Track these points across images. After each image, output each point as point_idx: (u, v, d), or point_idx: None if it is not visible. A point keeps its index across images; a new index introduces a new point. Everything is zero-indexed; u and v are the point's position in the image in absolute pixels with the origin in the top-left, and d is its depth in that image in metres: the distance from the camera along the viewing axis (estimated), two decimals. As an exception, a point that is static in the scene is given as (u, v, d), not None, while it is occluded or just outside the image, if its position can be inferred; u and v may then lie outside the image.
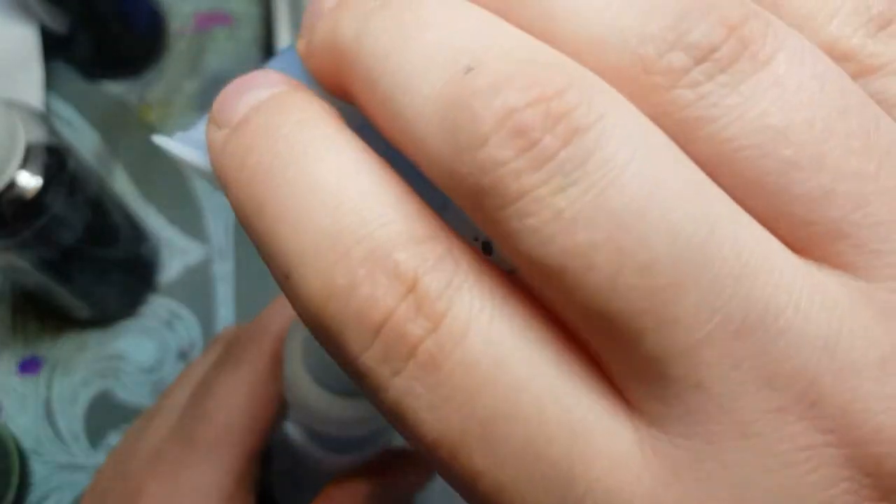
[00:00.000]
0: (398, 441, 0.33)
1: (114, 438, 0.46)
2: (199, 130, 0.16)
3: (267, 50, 0.54)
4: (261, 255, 0.13)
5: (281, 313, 0.32)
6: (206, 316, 0.49)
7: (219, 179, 0.14)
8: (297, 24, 0.52)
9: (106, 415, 0.47)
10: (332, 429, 0.28)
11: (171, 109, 0.53)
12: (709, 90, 0.11)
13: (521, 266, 0.12)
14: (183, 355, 0.48)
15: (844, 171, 0.11)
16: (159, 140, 0.17)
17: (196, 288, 0.49)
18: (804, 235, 0.11)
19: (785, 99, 0.11)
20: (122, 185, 0.51)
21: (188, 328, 0.48)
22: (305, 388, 0.27)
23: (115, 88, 0.54)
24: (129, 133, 0.53)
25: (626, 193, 0.11)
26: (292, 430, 0.31)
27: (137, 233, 0.48)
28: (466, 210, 0.12)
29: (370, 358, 0.12)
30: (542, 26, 0.12)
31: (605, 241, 0.11)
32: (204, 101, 0.54)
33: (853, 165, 0.11)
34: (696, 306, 0.11)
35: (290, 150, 0.13)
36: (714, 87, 0.11)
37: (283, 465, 0.34)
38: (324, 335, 0.12)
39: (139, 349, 0.48)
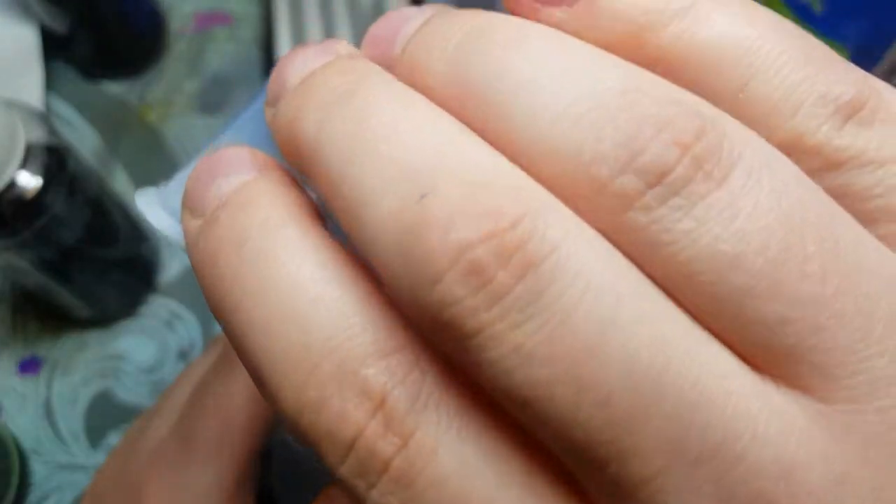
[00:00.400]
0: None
1: (114, 438, 0.46)
2: (177, 195, 0.16)
3: (267, 50, 0.54)
4: (235, 352, 0.13)
5: None
6: (206, 316, 0.49)
7: (194, 272, 0.14)
8: (297, 24, 0.52)
9: (106, 415, 0.47)
10: None
11: (171, 109, 0.53)
12: (662, 214, 0.11)
13: (488, 391, 0.12)
14: (183, 355, 0.48)
15: (800, 297, 0.11)
16: (140, 201, 0.17)
17: (196, 288, 0.49)
18: (761, 356, 0.11)
19: (739, 223, 0.11)
20: (122, 185, 0.51)
21: (188, 328, 0.48)
22: None
23: (115, 88, 0.54)
24: (129, 133, 0.53)
25: (581, 330, 0.11)
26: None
27: (137, 233, 0.48)
28: (427, 335, 0.12)
29: (346, 471, 0.12)
30: (497, 129, 0.12)
31: (563, 376, 0.11)
32: (204, 101, 0.54)
33: (809, 291, 0.11)
34: (654, 437, 0.11)
35: (255, 258, 0.13)
36: (667, 212, 0.11)
37: (283, 465, 0.34)
38: (303, 442, 0.13)
39: (139, 349, 0.48)
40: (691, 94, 0.12)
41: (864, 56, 0.42)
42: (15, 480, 0.43)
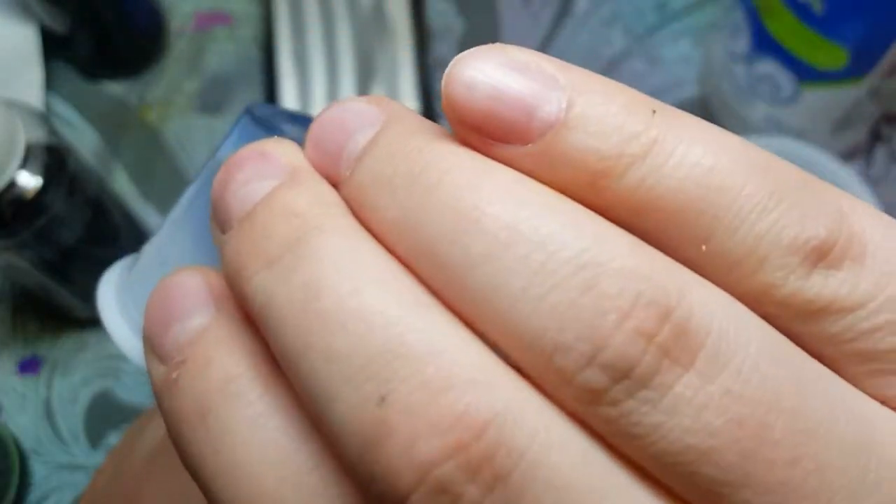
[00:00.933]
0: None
1: (114, 438, 0.46)
2: (141, 287, 0.15)
3: (267, 50, 0.54)
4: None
5: None
6: (206, 316, 0.49)
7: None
8: (297, 24, 0.52)
9: (106, 415, 0.47)
10: None
11: (171, 109, 0.53)
12: (630, 408, 0.11)
13: None
14: (183, 355, 0.48)
15: (770, 484, 0.11)
16: (103, 305, 0.17)
17: (196, 288, 0.49)
18: None
19: (708, 416, 0.11)
20: (122, 185, 0.51)
21: (188, 328, 0.48)
22: None
23: (115, 88, 0.54)
24: (129, 133, 0.53)
25: None
26: None
27: (137, 233, 0.48)
28: None
29: None
30: (454, 299, 0.12)
31: None
32: (204, 101, 0.54)
33: (779, 477, 0.11)
34: None
35: (219, 434, 0.12)
36: (636, 405, 0.11)
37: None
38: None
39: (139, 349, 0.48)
40: (652, 259, 0.11)
41: (864, 56, 0.42)
42: (15, 480, 0.43)
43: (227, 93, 0.54)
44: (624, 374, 0.11)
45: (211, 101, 0.54)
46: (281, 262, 0.12)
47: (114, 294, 0.17)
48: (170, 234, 0.19)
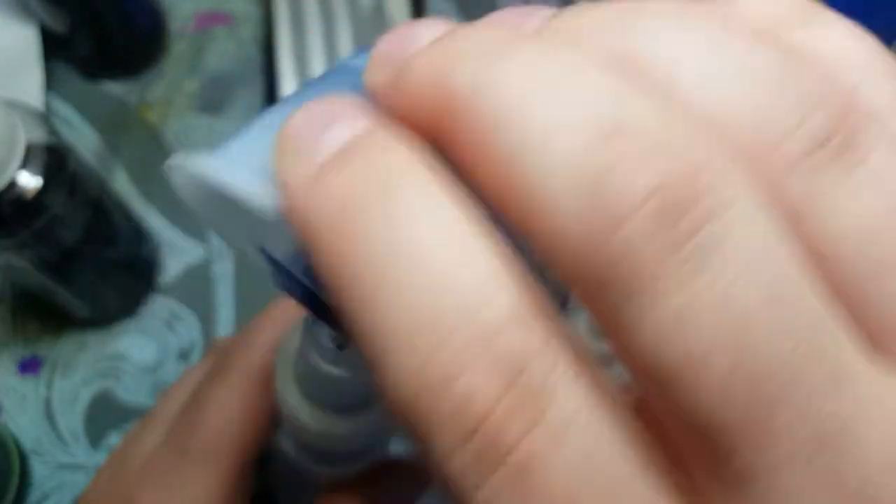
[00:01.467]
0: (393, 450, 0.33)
1: (114, 438, 0.46)
2: (238, 159, 0.14)
3: (267, 50, 0.54)
4: (349, 319, 0.12)
5: (270, 323, 0.32)
6: (206, 316, 0.49)
7: (297, 228, 0.12)
8: (297, 24, 0.52)
9: (106, 415, 0.47)
10: (323, 444, 0.27)
11: (171, 109, 0.53)
12: (823, 178, 0.11)
13: (629, 364, 0.11)
14: (183, 355, 0.48)
15: None
16: (184, 163, 0.14)
17: (196, 288, 0.49)
18: (887, 339, 0.11)
19: (883, 197, 0.11)
20: (122, 185, 0.51)
21: (188, 328, 0.48)
22: (295, 403, 0.26)
23: (115, 88, 0.54)
24: (129, 133, 0.53)
25: (746, 300, 0.10)
26: (284, 441, 0.31)
27: (137, 233, 0.48)
28: (579, 294, 0.11)
29: (458, 464, 0.11)
30: (672, 88, 0.12)
31: (722, 347, 0.10)
32: (204, 101, 0.54)
33: None
34: (787, 423, 0.10)
35: (389, 217, 0.12)
36: (830, 176, 0.11)
37: (277, 472, 0.34)
38: (410, 427, 0.12)
39: (139, 349, 0.48)
40: (831, 82, 0.12)
41: (865, 56, 0.42)
42: (15, 480, 0.43)
43: (227, 93, 0.54)
44: (823, 143, 0.11)
45: (211, 101, 0.54)
46: (498, 51, 0.12)
47: (203, 157, 0.15)
48: (279, 114, 0.16)
